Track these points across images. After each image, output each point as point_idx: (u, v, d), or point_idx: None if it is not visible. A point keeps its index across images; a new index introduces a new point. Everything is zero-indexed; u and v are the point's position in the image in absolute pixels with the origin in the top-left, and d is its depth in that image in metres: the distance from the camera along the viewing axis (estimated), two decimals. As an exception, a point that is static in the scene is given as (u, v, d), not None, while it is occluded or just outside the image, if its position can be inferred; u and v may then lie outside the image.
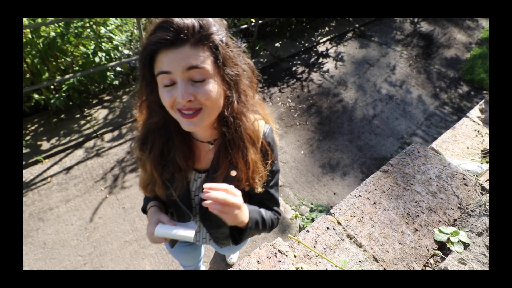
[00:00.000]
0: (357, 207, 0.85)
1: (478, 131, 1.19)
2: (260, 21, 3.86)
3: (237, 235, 0.84)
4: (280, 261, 0.70)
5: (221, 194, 0.67)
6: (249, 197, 0.90)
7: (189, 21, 0.62)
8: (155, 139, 0.77)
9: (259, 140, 0.82)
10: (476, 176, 0.95)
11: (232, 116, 0.74)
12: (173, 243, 1.09)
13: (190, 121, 0.67)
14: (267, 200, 0.91)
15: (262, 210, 0.89)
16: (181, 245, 1.22)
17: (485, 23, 5.56)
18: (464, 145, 1.14)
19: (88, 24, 2.74)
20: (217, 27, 0.66)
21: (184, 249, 1.24)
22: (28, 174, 2.50)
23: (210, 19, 0.66)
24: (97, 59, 2.78)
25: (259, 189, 0.84)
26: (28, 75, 2.69)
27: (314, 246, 0.76)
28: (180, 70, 0.62)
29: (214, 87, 0.66)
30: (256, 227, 0.84)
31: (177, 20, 0.61)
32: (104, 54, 2.83)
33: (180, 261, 1.37)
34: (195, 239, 1.08)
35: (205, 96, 0.65)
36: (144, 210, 0.97)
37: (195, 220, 0.98)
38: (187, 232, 0.78)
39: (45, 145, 2.69)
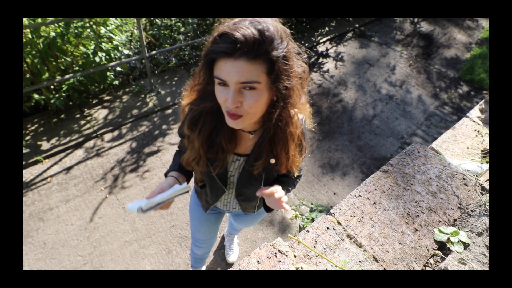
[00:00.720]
0: (357, 207, 0.85)
1: (478, 131, 1.19)
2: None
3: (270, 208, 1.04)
4: (280, 261, 0.70)
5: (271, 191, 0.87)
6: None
7: (250, 33, 0.65)
8: (206, 121, 0.85)
9: (298, 136, 0.90)
10: (476, 176, 0.95)
11: (277, 119, 0.79)
12: (206, 208, 1.21)
13: (234, 121, 0.75)
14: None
15: (290, 182, 1.08)
16: (211, 213, 1.32)
17: (485, 23, 5.56)
18: (464, 145, 1.14)
19: (88, 24, 2.74)
20: (278, 41, 0.69)
21: (209, 217, 1.35)
22: (28, 174, 2.50)
23: (274, 31, 0.68)
24: (97, 59, 2.78)
25: (296, 174, 1.00)
26: (28, 75, 2.69)
27: (314, 246, 0.76)
28: (234, 82, 0.68)
29: (261, 97, 0.72)
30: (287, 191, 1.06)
31: (238, 34, 0.64)
32: (104, 54, 2.83)
33: (197, 233, 1.47)
34: (225, 208, 1.23)
35: (250, 104, 0.71)
36: (166, 175, 1.05)
37: (228, 195, 1.11)
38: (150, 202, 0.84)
39: (45, 145, 2.69)
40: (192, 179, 1.14)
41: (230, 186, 1.06)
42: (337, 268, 0.71)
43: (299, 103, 0.84)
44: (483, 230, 0.77)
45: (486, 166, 1.00)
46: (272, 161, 0.90)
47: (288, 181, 1.09)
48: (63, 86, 2.83)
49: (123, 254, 2.10)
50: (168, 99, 3.29)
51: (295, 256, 0.73)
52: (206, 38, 0.77)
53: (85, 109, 3.07)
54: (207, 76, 0.76)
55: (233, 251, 2.08)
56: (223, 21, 0.71)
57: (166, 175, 1.04)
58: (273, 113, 0.78)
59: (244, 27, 0.65)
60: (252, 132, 0.90)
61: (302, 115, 0.93)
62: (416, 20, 5.37)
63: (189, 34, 3.74)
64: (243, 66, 0.66)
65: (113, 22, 2.91)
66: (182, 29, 3.76)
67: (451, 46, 4.81)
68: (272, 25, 0.69)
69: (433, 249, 0.76)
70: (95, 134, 2.84)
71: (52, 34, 2.56)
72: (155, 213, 2.33)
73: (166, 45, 3.67)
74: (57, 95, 2.76)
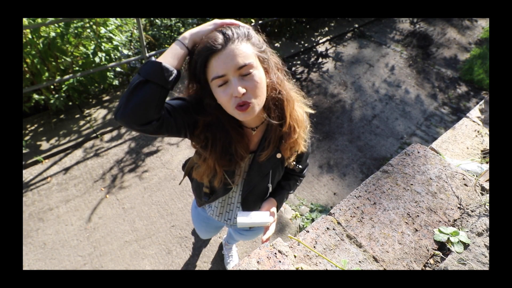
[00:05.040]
0: (357, 207, 0.85)
1: (478, 131, 1.19)
2: (260, 21, 3.86)
3: None
4: (280, 261, 0.70)
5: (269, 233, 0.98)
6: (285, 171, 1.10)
7: (227, 29, 0.74)
8: (215, 137, 0.86)
9: (304, 124, 0.95)
10: (476, 176, 0.95)
11: (277, 101, 0.84)
12: (200, 203, 1.20)
13: (244, 112, 0.76)
14: (301, 165, 1.09)
15: (286, 187, 1.12)
16: (210, 223, 1.35)
17: (484, 23, 5.56)
18: (464, 145, 1.14)
19: (88, 24, 2.74)
20: (251, 30, 0.78)
21: (208, 228, 1.39)
22: (28, 174, 2.50)
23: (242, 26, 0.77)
24: (97, 59, 2.78)
25: (301, 168, 1.07)
26: (28, 75, 2.69)
27: (314, 246, 0.76)
28: (232, 70, 0.73)
29: (259, 77, 0.76)
30: (284, 200, 1.14)
31: (219, 33, 0.73)
32: (104, 54, 2.83)
33: (200, 233, 1.53)
34: (226, 217, 1.21)
35: (254, 86, 0.75)
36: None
37: (232, 198, 1.13)
38: (264, 218, 0.93)
39: (44, 145, 2.69)
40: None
41: (239, 186, 1.07)
42: (337, 268, 0.71)
43: (289, 87, 0.89)
44: (483, 230, 0.77)
45: (486, 166, 1.00)
46: (278, 155, 0.93)
47: (290, 184, 1.13)
48: (63, 86, 2.82)
49: (123, 255, 2.10)
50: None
51: (295, 256, 0.73)
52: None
53: (85, 109, 3.07)
54: (204, 89, 0.80)
55: (232, 259, 2.08)
56: None
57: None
58: (272, 91, 0.83)
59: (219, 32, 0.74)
60: (255, 128, 0.92)
61: (304, 113, 0.96)
62: (415, 20, 5.37)
63: (189, 34, 3.74)
64: (233, 52, 0.72)
65: (113, 22, 2.91)
66: (182, 29, 3.76)
67: (450, 46, 4.82)
68: None
69: (433, 249, 0.76)
70: (94, 134, 2.84)
71: (52, 34, 2.56)
72: (155, 213, 2.33)
73: (166, 45, 3.67)
74: (57, 95, 2.76)
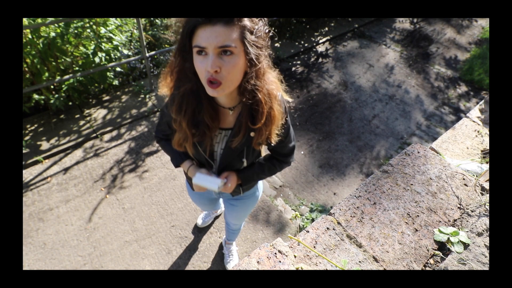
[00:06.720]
0: (357, 207, 0.85)
1: (478, 131, 1.19)
2: (260, 21, 3.85)
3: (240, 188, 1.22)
4: (280, 261, 0.70)
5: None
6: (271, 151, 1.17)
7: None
8: (188, 102, 0.91)
9: (279, 122, 0.97)
10: (476, 176, 0.95)
11: (251, 89, 0.86)
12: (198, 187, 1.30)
13: (214, 89, 0.80)
14: (279, 150, 1.13)
15: (257, 167, 1.16)
16: (203, 196, 1.44)
17: (484, 23, 5.56)
18: (464, 145, 1.14)
19: (88, 24, 2.74)
20: (248, 18, 0.78)
21: (203, 200, 1.50)
22: (28, 174, 2.50)
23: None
24: (97, 59, 2.78)
25: (273, 143, 1.05)
26: (28, 75, 2.69)
27: (314, 246, 0.76)
28: (213, 47, 0.74)
29: (237, 62, 0.78)
30: (253, 179, 1.18)
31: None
32: (104, 54, 2.83)
33: (196, 203, 1.62)
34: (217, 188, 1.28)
35: (228, 69, 0.77)
36: (177, 165, 1.18)
37: (215, 169, 1.17)
38: (213, 183, 1.02)
39: (44, 145, 2.69)
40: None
41: (217, 161, 1.12)
42: (337, 268, 0.71)
43: (269, 77, 0.91)
44: (483, 230, 0.77)
45: (486, 166, 1.00)
46: (252, 134, 0.96)
47: (264, 167, 1.17)
48: (63, 86, 2.83)
49: (123, 255, 2.10)
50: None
51: (295, 256, 0.73)
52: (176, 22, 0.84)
53: (85, 109, 3.07)
54: (186, 54, 0.82)
55: (232, 259, 2.08)
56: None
57: (177, 165, 1.17)
58: (247, 83, 0.84)
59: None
60: (232, 108, 0.96)
61: (279, 93, 0.97)
62: (415, 20, 5.37)
63: (189, 34, 3.74)
64: (220, 30, 0.73)
65: (113, 22, 2.91)
66: (182, 29, 3.76)
67: (450, 46, 4.81)
68: None
69: (433, 249, 0.76)
70: (94, 134, 2.84)
71: (52, 34, 2.56)
72: (155, 213, 2.33)
73: (166, 45, 3.67)
74: (57, 95, 2.76)
